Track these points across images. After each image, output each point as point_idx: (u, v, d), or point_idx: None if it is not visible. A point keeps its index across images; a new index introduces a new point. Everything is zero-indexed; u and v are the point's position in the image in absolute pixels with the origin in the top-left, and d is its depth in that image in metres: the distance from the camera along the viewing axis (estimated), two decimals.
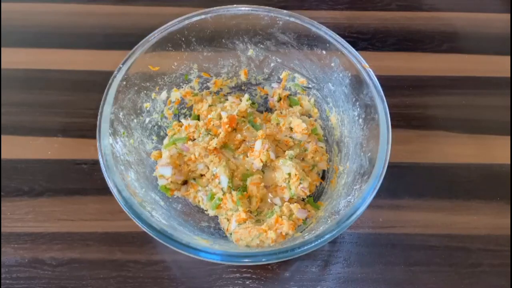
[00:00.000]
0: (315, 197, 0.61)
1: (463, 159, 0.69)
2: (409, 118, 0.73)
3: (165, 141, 0.63)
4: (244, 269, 0.60)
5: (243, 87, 0.69)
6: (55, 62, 0.77)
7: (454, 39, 0.82)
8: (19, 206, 0.63)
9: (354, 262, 0.61)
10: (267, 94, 0.69)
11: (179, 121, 0.65)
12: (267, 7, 0.60)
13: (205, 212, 0.60)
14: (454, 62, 0.80)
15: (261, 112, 0.68)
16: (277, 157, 0.61)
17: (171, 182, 0.58)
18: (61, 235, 0.61)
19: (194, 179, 0.60)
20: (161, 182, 0.58)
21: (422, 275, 0.60)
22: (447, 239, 0.62)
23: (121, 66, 0.55)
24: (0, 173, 0.66)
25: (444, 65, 0.79)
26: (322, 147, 0.64)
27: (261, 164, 0.59)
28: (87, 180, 0.65)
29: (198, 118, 0.66)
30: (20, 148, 0.68)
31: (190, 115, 0.67)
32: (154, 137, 0.63)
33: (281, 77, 0.66)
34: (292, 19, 0.59)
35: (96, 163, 0.66)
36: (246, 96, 0.66)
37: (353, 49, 0.57)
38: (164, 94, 0.63)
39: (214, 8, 0.59)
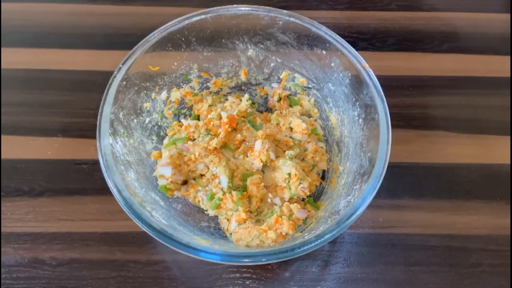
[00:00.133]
0: (315, 197, 0.61)
1: (463, 159, 0.69)
2: (409, 118, 0.73)
3: (165, 141, 0.63)
4: (244, 269, 0.60)
5: (243, 87, 0.69)
6: (55, 62, 0.77)
7: (454, 39, 0.82)
8: (19, 206, 0.63)
9: (354, 262, 0.61)
10: (267, 94, 0.69)
11: (179, 121, 0.65)
12: (267, 7, 0.60)
13: (205, 212, 0.60)
14: (454, 62, 0.79)
15: (261, 112, 0.68)
16: (277, 157, 0.61)
17: (171, 182, 0.58)
18: (61, 235, 0.61)
19: (194, 179, 0.60)
20: (161, 182, 0.58)
21: (422, 275, 0.60)
22: (447, 239, 0.62)
23: (121, 66, 0.55)
24: (0, 173, 0.66)
25: (444, 65, 0.79)
26: (322, 147, 0.64)
27: (261, 164, 0.59)
28: (87, 180, 0.65)
29: (198, 118, 0.66)
30: (20, 148, 0.68)
31: (190, 115, 0.67)
32: (154, 137, 0.63)
33: (281, 77, 0.66)
34: (292, 19, 0.59)
35: (96, 163, 0.66)
36: (246, 96, 0.66)
37: (353, 49, 0.57)
38: (164, 94, 0.63)
39: (214, 8, 0.59)
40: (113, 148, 0.51)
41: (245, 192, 0.58)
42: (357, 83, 0.56)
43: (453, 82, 0.77)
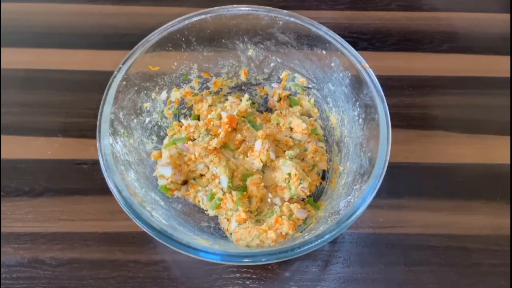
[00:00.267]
0: (315, 197, 0.61)
1: (463, 159, 0.69)
2: (409, 118, 0.73)
3: (165, 141, 0.63)
4: (244, 269, 0.60)
5: (243, 87, 0.69)
6: (55, 62, 0.77)
7: (454, 39, 0.82)
8: (19, 206, 0.63)
9: (354, 262, 0.61)
10: (267, 94, 0.69)
11: (179, 121, 0.65)
12: (267, 7, 0.60)
13: (205, 212, 0.60)
14: (454, 62, 0.80)
15: (261, 112, 0.68)
16: (277, 157, 0.61)
17: (171, 182, 0.58)
18: (61, 235, 0.61)
19: (194, 179, 0.60)
20: (161, 182, 0.58)
21: (422, 275, 0.60)
22: (447, 239, 0.62)
23: (121, 66, 0.55)
24: (0, 173, 0.66)
25: (444, 65, 0.79)
26: (322, 147, 0.64)
27: (261, 164, 0.59)
28: (87, 180, 0.65)
29: (198, 118, 0.66)
30: (20, 148, 0.68)
31: (190, 115, 0.67)
32: (154, 137, 0.63)
33: (281, 77, 0.66)
34: (292, 19, 0.59)
35: (96, 163, 0.66)
36: (246, 96, 0.66)
37: (353, 49, 0.57)
38: (164, 94, 0.63)
39: (214, 8, 0.59)
40: (113, 148, 0.51)
41: (245, 192, 0.58)
42: (357, 83, 0.56)
43: (453, 82, 0.77)
